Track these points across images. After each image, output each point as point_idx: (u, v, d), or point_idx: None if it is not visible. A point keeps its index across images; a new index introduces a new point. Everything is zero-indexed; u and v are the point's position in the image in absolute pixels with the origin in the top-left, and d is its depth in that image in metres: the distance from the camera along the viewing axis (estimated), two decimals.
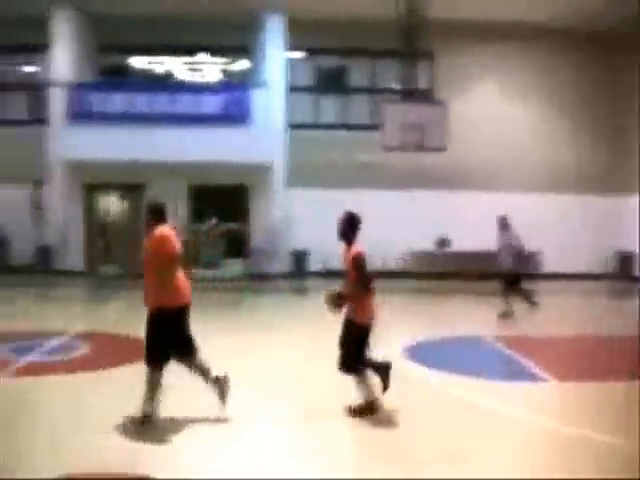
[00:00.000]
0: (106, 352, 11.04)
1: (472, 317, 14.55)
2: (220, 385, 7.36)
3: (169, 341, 7.12)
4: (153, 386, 7.07)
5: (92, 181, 20.53)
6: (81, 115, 19.62)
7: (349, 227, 7.54)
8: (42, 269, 18.94)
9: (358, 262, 7.33)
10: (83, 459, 6.27)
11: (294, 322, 14.20)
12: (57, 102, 20.08)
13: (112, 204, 21.56)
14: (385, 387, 7.61)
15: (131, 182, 20.44)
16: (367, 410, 7.42)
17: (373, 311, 7.48)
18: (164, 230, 7.18)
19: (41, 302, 16.80)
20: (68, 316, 14.67)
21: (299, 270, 19.97)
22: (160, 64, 22.75)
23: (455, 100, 20.47)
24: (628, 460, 6.04)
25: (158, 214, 7.32)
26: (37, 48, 21.34)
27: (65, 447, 6.54)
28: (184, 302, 7.17)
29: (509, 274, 14.14)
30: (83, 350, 10.94)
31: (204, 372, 7.36)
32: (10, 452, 6.39)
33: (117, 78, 22.66)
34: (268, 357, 10.54)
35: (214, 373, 7.37)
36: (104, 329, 12.75)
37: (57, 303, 16.82)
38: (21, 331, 12.23)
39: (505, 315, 13.94)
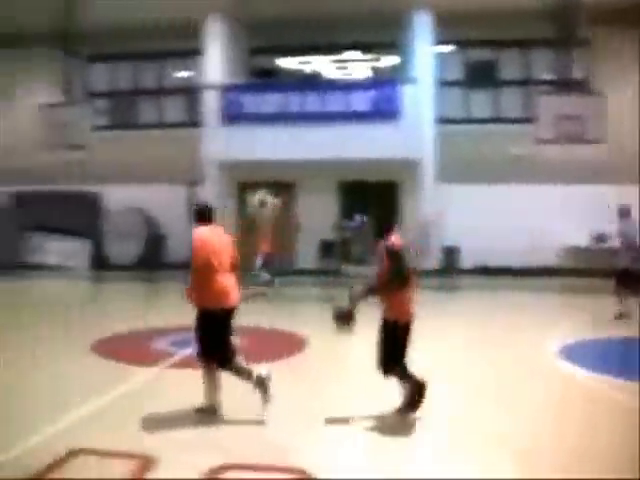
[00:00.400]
0: (262, 346, 11.23)
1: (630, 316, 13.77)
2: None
3: (215, 339, 7.23)
4: (209, 384, 7.27)
5: (245, 180, 20.99)
6: (234, 116, 20.11)
7: (387, 221, 7.30)
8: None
9: (393, 250, 7.00)
10: (237, 451, 6.39)
11: (441, 319, 13.98)
12: (211, 104, 20.65)
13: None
14: (412, 407, 7.20)
15: (282, 180, 20.75)
16: (413, 405, 7.12)
17: (409, 308, 7.12)
18: (200, 232, 7.28)
19: None
20: None
21: (450, 267, 19.67)
22: (309, 64, 22.98)
23: (612, 89, 19.58)
24: None
25: (201, 215, 7.47)
26: (191, 53, 22.06)
27: (220, 438, 6.69)
28: (222, 306, 7.24)
29: (623, 269, 13.21)
30: (239, 344, 11.16)
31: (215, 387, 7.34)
32: (167, 442, 6.58)
33: (268, 79, 23.08)
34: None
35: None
36: (258, 323, 12.97)
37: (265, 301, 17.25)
38: (179, 325, 12.62)
39: (621, 316, 13.05)
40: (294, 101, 20.04)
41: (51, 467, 5.99)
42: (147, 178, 21.23)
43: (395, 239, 7.11)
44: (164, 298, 17.30)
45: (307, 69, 23.09)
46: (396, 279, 6.92)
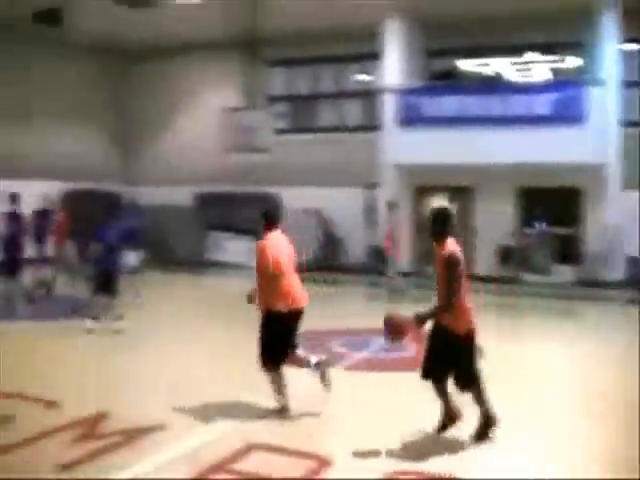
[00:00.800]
0: None
1: None
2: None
3: (281, 342, 7.40)
4: (277, 385, 7.46)
5: (421, 183, 20.86)
6: (412, 119, 19.98)
7: (441, 224, 6.71)
8: (373, 268, 19.54)
9: (451, 261, 6.50)
10: (411, 457, 6.35)
11: (623, 334, 13.31)
12: (389, 107, 20.63)
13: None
14: (480, 437, 6.77)
15: (459, 185, 20.45)
16: (448, 424, 6.81)
17: (471, 315, 6.64)
18: (268, 238, 7.49)
19: (371, 300, 17.34)
20: None
21: (636, 279, 18.63)
22: (488, 65, 22.53)
23: None
24: None
25: (267, 220, 7.63)
26: (369, 56, 22.18)
27: (394, 443, 6.64)
28: (290, 308, 7.37)
29: None
30: (411, 350, 11.09)
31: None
32: (341, 445, 6.61)
33: (446, 82, 22.82)
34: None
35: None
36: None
37: (384, 302, 17.28)
38: (354, 328, 12.71)
39: None
40: (473, 104, 19.66)
41: (230, 459, 6.19)
42: (325, 180, 21.51)
43: (452, 246, 6.68)
44: (338, 300, 17.44)
45: (487, 71, 22.63)
46: (453, 292, 6.50)
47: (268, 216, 7.72)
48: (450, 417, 6.82)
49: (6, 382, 8.62)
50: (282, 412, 7.46)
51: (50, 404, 7.77)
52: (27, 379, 8.86)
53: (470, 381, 6.70)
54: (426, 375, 6.77)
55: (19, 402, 7.88)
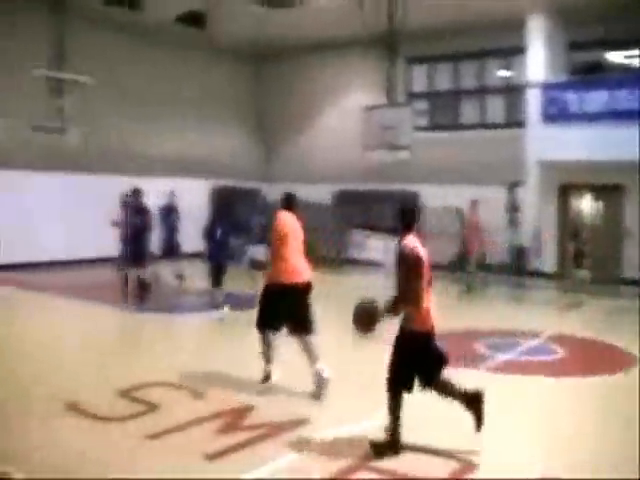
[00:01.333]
0: (582, 358, 10.77)
1: None
2: (319, 380, 7.89)
3: (276, 313, 8.05)
4: (265, 346, 8.23)
5: (567, 181, 20.19)
6: (556, 115, 19.39)
7: (403, 220, 6.44)
8: (516, 269, 19.07)
9: (403, 255, 6.20)
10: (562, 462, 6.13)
11: None
12: (532, 103, 20.11)
13: (587, 206, 20.93)
14: (478, 424, 6.38)
15: (608, 183, 19.63)
16: (387, 449, 6.24)
17: (430, 316, 6.25)
18: (283, 215, 8.29)
19: (514, 302, 16.97)
20: (541, 318, 14.60)
21: None
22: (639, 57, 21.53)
23: None
24: None
25: (284, 203, 8.48)
26: (512, 51, 21.70)
27: (548, 446, 6.42)
28: (293, 281, 8.03)
29: None
30: (558, 354, 10.78)
31: (310, 355, 8.02)
32: (487, 445, 6.48)
33: (592, 75, 21.98)
34: None
35: (321, 365, 7.94)
36: (578, 334, 12.39)
37: (529, 304, 16.87)
38: (496, 329, 12.46)
39: None
40: (622, 98, 18.84)
41: (373, 457, 6.15)
42: (466, 179, 21.15)
43: (410, 242, 6.30)
44: (482, 300, 17.11)
45: (636, 63, 21.64)
46: (410, 291, 6.15)
47: (283, 199, 8.55)
48: (390, 443, 6.36)
49: (153, 371, 8.95)
50: (265, 380, 8.24)
51: (196, 394, 8.01)
52: (172, 369, 9.14)
53: (431, 380, 6.40)
54: (390, 385, 6.40)
55: (166, 390, 8.20)
